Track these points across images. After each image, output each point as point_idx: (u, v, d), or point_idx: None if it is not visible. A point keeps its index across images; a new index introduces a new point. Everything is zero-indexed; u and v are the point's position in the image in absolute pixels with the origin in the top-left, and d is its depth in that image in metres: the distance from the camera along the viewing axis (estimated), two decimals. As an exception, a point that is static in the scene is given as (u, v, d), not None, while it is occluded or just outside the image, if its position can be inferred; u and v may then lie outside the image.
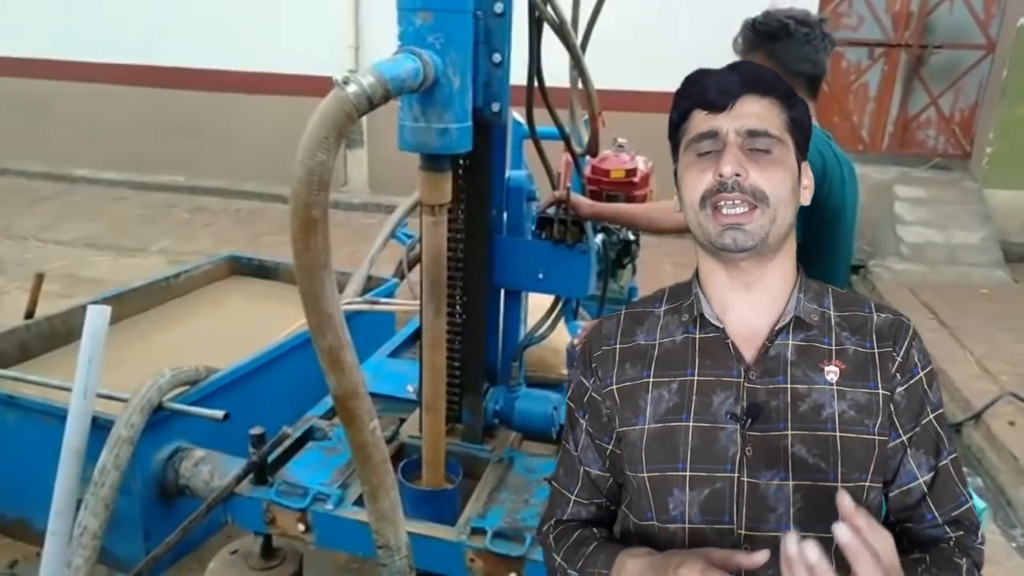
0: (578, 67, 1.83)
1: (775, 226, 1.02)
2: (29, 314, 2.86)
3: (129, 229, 6.37)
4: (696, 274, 1.15)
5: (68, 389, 2.06)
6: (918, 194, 6.29)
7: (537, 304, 2.16)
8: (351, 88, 1.12)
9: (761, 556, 0.92)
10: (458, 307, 1.94)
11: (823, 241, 1.69)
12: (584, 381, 1.18)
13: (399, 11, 1.38)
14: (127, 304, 3.17)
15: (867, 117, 6.87)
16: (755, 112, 1.03)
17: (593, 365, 1.16)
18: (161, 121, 7.63)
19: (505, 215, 1.94)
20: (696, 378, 1.08)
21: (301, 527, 1.79)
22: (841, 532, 0.81)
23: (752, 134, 1.02)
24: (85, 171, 7.73)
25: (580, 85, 1.90)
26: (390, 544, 1.46)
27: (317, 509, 1.77)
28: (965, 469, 3.30)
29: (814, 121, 1.77)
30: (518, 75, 1.73)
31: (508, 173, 1.93)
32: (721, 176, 1.00)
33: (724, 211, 1.01)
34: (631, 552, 1.06)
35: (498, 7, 1.59)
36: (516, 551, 1.65)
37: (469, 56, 1.41)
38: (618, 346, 1.15)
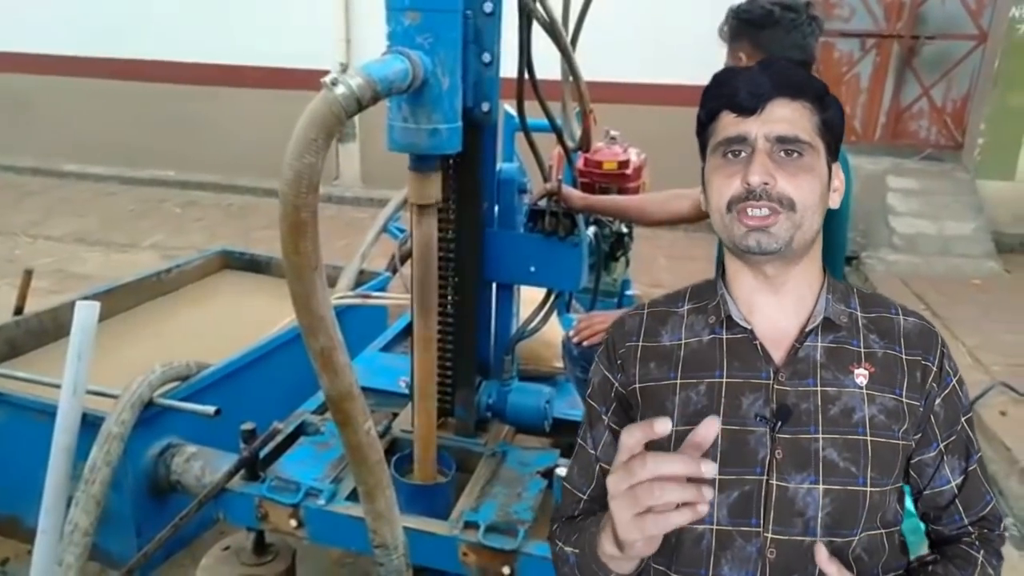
0: (569, 65, 1.81)
1: (800, 232, 1.01)
2: (18, 310, 2.84)
3: (120, 224, 6.33)
4: (722, 274, 1.14)
5: (57, 386, 2.05)
6: (910, 185, 6.30)
7: (530, 298, 2.15)
8: (339, 90, 1.12)
9: (661, 425, 0.83)
10: (450, 301, 1.93)
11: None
12: (610, 377, 1.16)
13: (388, 11, 1.36)
14: (118, 300, 3.15)
15: (859, 108, 6.87)
16: (785, 116, 1.01)
17: (619, 362, 1.14)
18: (151, 115, 7.57)
19: (496, 208, 1.93)
20: (725, 380, 1.06)
21: (293, 523, 1.78)
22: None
23: (782, 140, 1.00)
24: (74, 166, 7.67)
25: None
26: (387, 543, 1.47)
27: (309, 504, 1.77)
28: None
29: None
30: (510, 68, 1.72)
31: (499, 166, 1.92)
32: (749, 185, 0.99)
33: (749, 212, 1.00)
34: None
35: (487, 6, 1.58)
36: (509, 544, 1.65)
37: (458, 56, 1.40)
38: (641, 343, 1.13)
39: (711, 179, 1.06)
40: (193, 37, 7.32)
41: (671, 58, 6.23)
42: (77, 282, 4.68)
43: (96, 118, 7.68)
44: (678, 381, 1.08)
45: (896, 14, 6.54)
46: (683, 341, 1.11)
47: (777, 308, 1.08)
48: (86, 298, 2.36)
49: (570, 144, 2.04)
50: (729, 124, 1.03)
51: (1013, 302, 5.03)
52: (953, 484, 1.09)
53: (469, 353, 1.97)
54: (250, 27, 7.19)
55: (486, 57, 1.61)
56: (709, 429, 0.82)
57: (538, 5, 1.65)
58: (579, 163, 3.04)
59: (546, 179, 2.01)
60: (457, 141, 1.43)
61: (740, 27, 1.73)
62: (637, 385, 1.11)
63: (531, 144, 1.94)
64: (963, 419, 1.10)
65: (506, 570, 1.65)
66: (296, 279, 1.15)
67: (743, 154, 1.02)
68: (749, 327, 1.07)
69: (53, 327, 2.83)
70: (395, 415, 2.15)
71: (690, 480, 0.80)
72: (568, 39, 1.82)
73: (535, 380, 2.24)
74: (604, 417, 1.16)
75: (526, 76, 1.78)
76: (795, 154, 1.01)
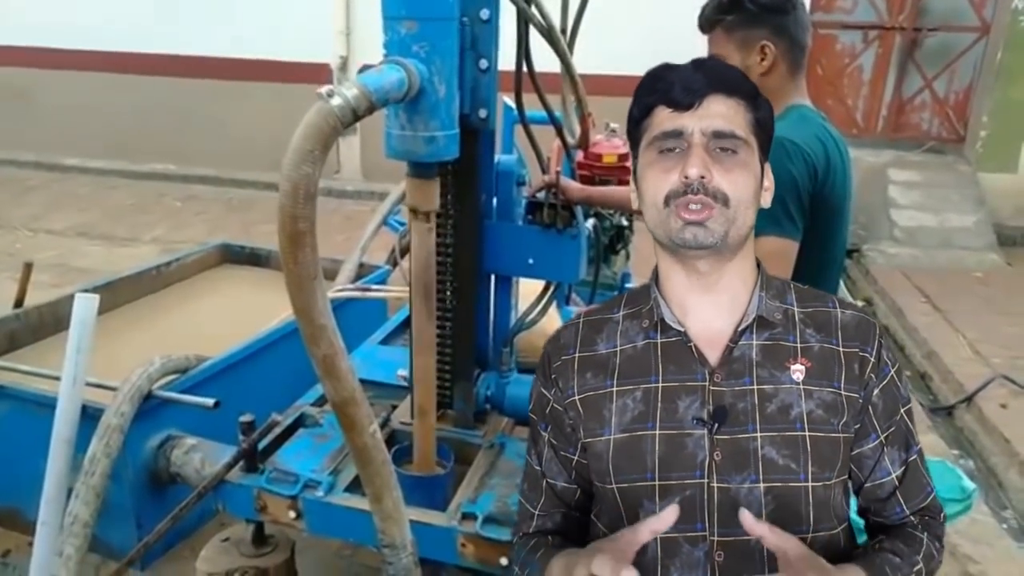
0: (567, 70, 1.80)
1: (735, 227, 1.01)
2: (18, 303, 2.84)
3: (121, 218, 6.34)
4: (655, 277, 1.13)
5: (57, 378, 2.05)
6: (912, 178, 6.29)
7: (531, 290, 2.15)
8: (335, 101, 1.12)
9: (670, 513, 0.92)
10: (448, 293, 1.93)
11: (825, 232, 1.65)
12: (545, 393, 1.16)
13: (384, 20, 1.36)
14: (118, 293, 3.16)
15: (861, 100, 6.86)
16: (721, 112, 1.02)
17: (553, 376, 1.14)
18: (152, 109, 7.57)
19: (495, 200, 1.93)
20: (660, 384, 1.06)
21: (292, 514, 1.79)
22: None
23: (718, 135, 1.01)
24: (75, 160, 7.68)
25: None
26: (395, 543, 1.48)
27: (308, 496, 1.77)
28: (956, 451, 3.30)
29: (809, 102, 1.74)
30: (508, 62, 1.71)
31: (497, 158, 1.92)
32: (687, 178, 0.99)
33: (690, 207, 1.00)
34: (560, 554, 1.07)
35: (484, 13, 1.57)
36: (507, 535, 1.65)
37: (455, 64, 1.40)
38: (577, 355, 1.13)
39: (645, 174, 1.06)
40: (193, 31, 7.31)
41: (671, 50, 6.20)
42: (78, 276, 4.69)
43: (97, 112, 7.68)
44: (614, 389, 1.08)
45: (898, 6, 6.51)
46: (618, 348, 1.11)
47: (711, 307, 1.07)
48: (86, 291, 2.35)
49: (570, 140, 2.03)
50: (665, 119, 1.03)
51: (1014, 295, 5.03)
52: (893, 476, 1.09)
53: (467, 345, 1.97)
54: (251, 20, 7.18)
55: (483, 63, 1.61)
56: (667, 519, 0.92)
57: (535, 10, 1.64)
58: (579, 156, 3.04)
59: (545, 171, 2.01)
60: (454, 148, 1.43)
61: (759, 14, 1.65)
62: (576, 396, 1.11)
63: (530, 136, 1.94)
64: (902, 410, 1.09)
65: (504, 561, 1.65)
66: (296, 289, 1.16)
67: (678, 149, 1.02)
68: (683, 329, 1.07)
69: (53, 320, 2.84)
70: (394, 407, 2.15)
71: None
72: (566, 43, 1.81)
73: (534, 372, 2.24)
74: (544, 433, 1.17)
75: (524, 69, 1.77)
76: (730, 151, 1.01)
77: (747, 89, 1.05)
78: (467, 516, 1.71)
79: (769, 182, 1.10)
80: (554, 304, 2.17)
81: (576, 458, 1.14)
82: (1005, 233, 6.12)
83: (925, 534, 1.09)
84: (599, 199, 2.23)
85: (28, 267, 2.87)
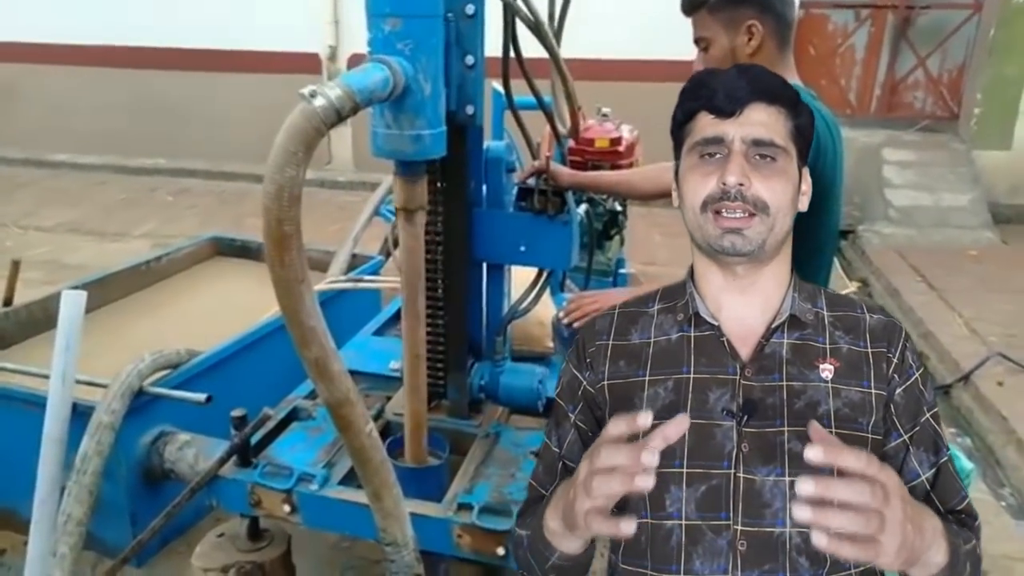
0: (556, 64, 1.76)
1: (773, 234, 1.04)
2: (7, 301, 2.82)
3: (112, 213, 6.30)
4: (691, 274, 1.16)
5: (47, 376, 2.03)
6: (906, 157, 6.28)
7: (524, 278, 2.13)
8: (318, 102, 1.10)
9: (644, 418, 0.87)
10: (440, 283, 1.91)
11: (817, 211, 1.62)
12: (578, 375, 1.18)
13: (368, 17, 1.34)
14: (109, 289, 3.13)
15: (854, 80, 6.83)
16: (762, 120, 1.04)
17: (588, 360, 1.17)
18: (140, 103, 7.51)
19: (484, 187, 1.90)
20: (692, 376, 1.08)
21: (287, 508, 1.77)
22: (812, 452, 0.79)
23: (758, 143, 1.03)
24: (64, 156, 7.62)
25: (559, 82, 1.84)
26: (397, 540, 1.48)
27: (302, 490, 1.75)
28: (953, 430, 3.30)
29: (798, 80, 1.72)
30: (495, 47, 1.68)
31: (487, 144, 1.89)
32: (725, 185, 1.01)
33: (725, 214, 1.02)
34: (554, 495, 1.07)
35: (469, 8, 1.55)
36: (503, 525, 1.64)
37: (440, 61, 1.38)
38: (611, 342, 1.16)
39: (687, 177, 1.08)
40: (180, 22, 7.25)
41: (662, 34, 6.16)
42: (70, 272, 4.66)
43: (85, 107, 7.62)
44: (647, 378, 1.11)
45: (890, -16, 6.47)
46: (652, 339, 1.14)
47: (744, 306, 1.10)
48: (76, 288, 2.33)
49: (561, 130, 2.01)
50: (707, 125, 1.06)
51: (1010, 273, 5.03)
52: (924, 478, 1.08)
53: (460, 335, 1.95)
54: (239, 11, 7.11)
55: (469, 60, 1.59)
56: (679, 426, 0.85)
57: (521, 4, 1.62)
58: (570, 142, 3.01)
59: (535, 157, 1.98)
60: (441, 146, 1.41)
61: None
62: (606, 382, 1.13)
63: (519, 122, 1.91)
64: (928, 413, 1.10)
65: (500, 551, 1.64)
66: (284, 293, 1.16)
67: (719, 155, 1.04)
68: (716, 324, 1.10)
69: (43, 317, 2.81)
70: (388, 399, 2.14)
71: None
72: (553, 33, 1.78)
73: (528, 360, 2.22)
74: (571, 415, 1.18)
75: (511, 53, 1.74)
76: (769, 158, 1.03)
77: (788, 97, 1.07)
78: (463, 506, 1.70)
79: (807, 186, 1.12)
80: (547, 291, 2.15)
81: None
82: (1000, 211, 6.11)
83: (969, 532, 1.07)
84: (590, 184, 2.21)
85: (16, 264, 2.84)
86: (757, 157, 1.03)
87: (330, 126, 1.13)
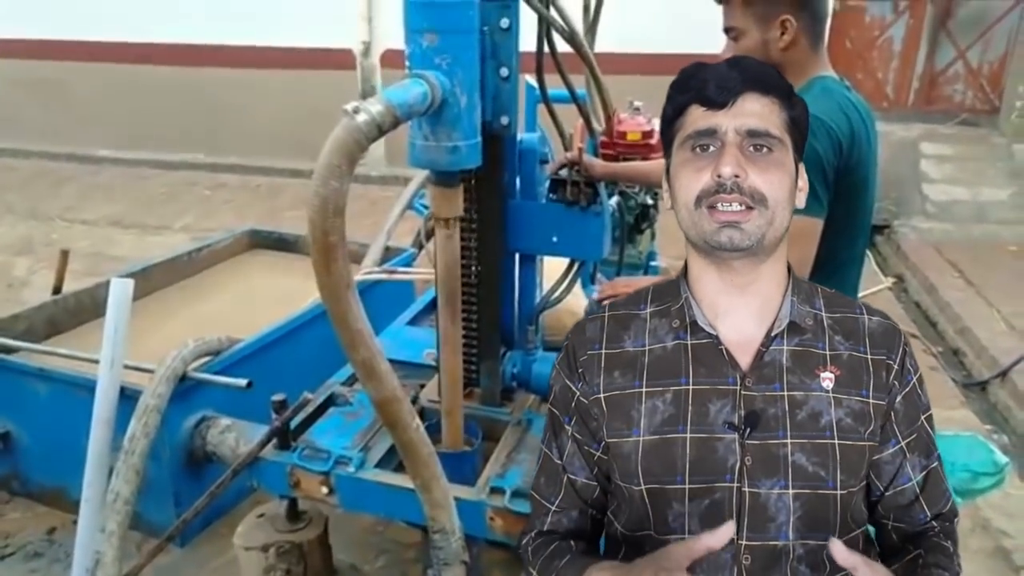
0: (591, 71, 1.79)
1: (772, 228, 1.00)
2: (56, 290, 2.92)
3: (152, 207, 6.45)
4: (684, 275, 1.12)
5: (96, 361, 2.11)
6: (944, 151, 6.16)
7: (555, 269, 2.16)
8: (361, 117, 1.14)
9: (726, 529, 0.91)
10: (473, 272, 1.95)
11: (851, 203, 1.62)
12: (571, 386, 1.14)
13: (406, 33, 1.38)
14: (151, 279, 3.23)
15: (892, 73, 6.72)
16: (756, 111, 1.01)
17: (580, 370, 1.13)
18: (180, 99, 7.67)
19: (518, 179, 1.93)
20: (691, 387, 1.05)
21: (324, 490, 1.83)
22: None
23: (752, 134, 0.99)
24: (107, 151, 7.82)
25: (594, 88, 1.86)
26: (446, 528, 1.53)
27: (340, 472, 1.81)
28: (989, 426, 3.25)
29: (831, 71, 1.71)
30: (529, 43, 1.71)
31: (520, 136, 1.93)
32: (720, 177, 0.98)
33: (721, 208, 0.99)
34: (599, 567, 1.05)
35: (504, 22, 1.58)
36: (535, 509, 1.67)
37: (476, 74, 1.41)
38: (604, 351, 1.12)
39: (678, 173, 1.04)
40: (218, 20, 7.37)
41: (694, 27, 6.13)
42: (112, 264, 4.80)
43: (127, 103, 7.80)
44: (643, 389, 1.07)
45: (930, -25, 6.36)
46: (647, 347, 1.09)
47: (743, 311, 1.06)
48: (120, 277, 2.42)
49: (595, 126, 2.03)
50: (698, 117, 1.02)
51: (1051, 268, 4.91)
52: (914, 482, 1.09)
53: (493, 324, 1.99)
54: (274, 9, 7.21)
55: (504, 72, 1.62)
56: (723, 535, 0.91)
57: (554, 13, 1.64)
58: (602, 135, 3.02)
59: (568, 148, 2.01)
60: (477, 156, 1.44)
61: None
62: (602, 395, 1.10)
63: (552, 115, 1.94)
64: (923, 417, 1.10)
65: (532, 534, 1.68)
66: (332, 299, 1.18)
67: (712, 148, 1.01)
68: (714, 332, 1.06)
69: (91, 305, 2.92)
70: (422, 386, 2.18)
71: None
72: (588, 47, 1.80)
73: (559, 350, 2.25)
74: (567, 427, 1.15)
75: (545, 49, 1.77)
76: (765, 149, 1.00)
77: (782, 87, 1.04)
78: (495, 490, 1.74)
79: (803, 182, 1.09)
80: (578, 283, 2.18)
81: (598, 455, 1.13)
82: (1041, 205, 5.97)
83: (950, 542, 1.09)
84: (623, 174, 2.23)
85: (65, 254, 2.94)
86: (752, 148, 0.99)
87: (372, 140, 1.16)
